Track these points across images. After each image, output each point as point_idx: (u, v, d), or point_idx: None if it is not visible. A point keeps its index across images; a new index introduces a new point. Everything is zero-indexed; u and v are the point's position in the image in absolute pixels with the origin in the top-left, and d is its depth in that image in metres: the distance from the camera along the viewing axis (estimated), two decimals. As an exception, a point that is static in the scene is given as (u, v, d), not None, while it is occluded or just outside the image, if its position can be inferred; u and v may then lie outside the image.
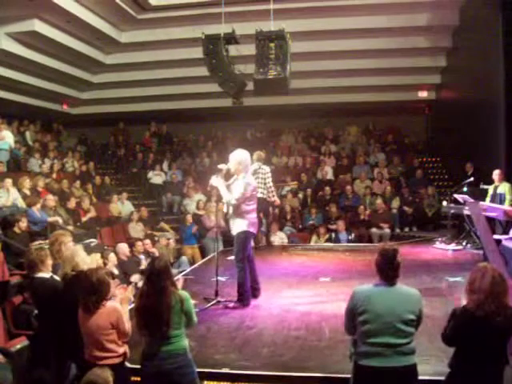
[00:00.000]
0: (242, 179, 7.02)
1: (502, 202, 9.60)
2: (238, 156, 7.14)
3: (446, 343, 3.93)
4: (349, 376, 4.09)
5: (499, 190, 9.90)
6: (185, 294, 4.40)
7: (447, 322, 3.92)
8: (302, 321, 6.26)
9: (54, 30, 12.36)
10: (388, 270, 3.96)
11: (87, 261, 5.15)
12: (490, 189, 10.10)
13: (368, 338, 3.87)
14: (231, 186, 7.09)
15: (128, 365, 4.66)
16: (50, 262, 5.18)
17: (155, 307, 4.21)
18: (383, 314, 3.84)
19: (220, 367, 4.92)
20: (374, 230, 13.00)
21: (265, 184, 10.44)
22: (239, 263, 6.98)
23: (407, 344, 3.85)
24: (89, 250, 6.69)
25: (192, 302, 4.49)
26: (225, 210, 7.25)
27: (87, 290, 4.42)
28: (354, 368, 4.00)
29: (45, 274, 5.10)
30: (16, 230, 9.24)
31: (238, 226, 7.00)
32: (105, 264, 8.36)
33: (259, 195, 10.14)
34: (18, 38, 12.28)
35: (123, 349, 4.49)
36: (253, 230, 7.08)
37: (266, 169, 10.59)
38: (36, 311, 5.75)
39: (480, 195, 10.11)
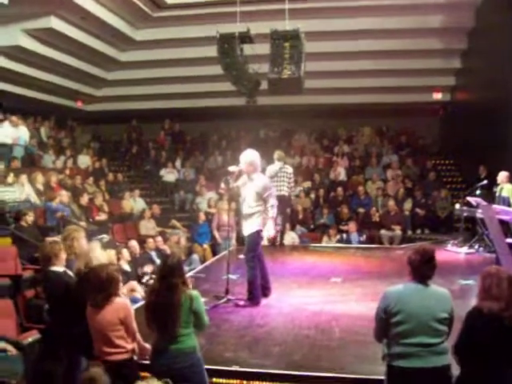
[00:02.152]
0: (257, 179, 7.03)
1: (505, 204, 9.54)
2: (249, 156, 7.15)
3: (460, 352, 3.82)
4: (359, 377, 4.07)
5: (503, 193, 9.86)
6: (195, 293, 4.40)
7: (461, 330, 3.86)
8: (313, 320, 6.26)
9: (69, 27, 12.43)
10: (425, 269, 3.92)
11: (102, 258, 5.16)
12: (497, 191, 10.09)
13: (402, 338, 3.81)
14: (245, 186, 7.11)
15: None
16: (64, 255, 5.21)
17: (165, 304, 4.22)
18: (418, 314, 3.79)
19: (230, 365, 4.92)
20: (383, 231, 12.94)
21: (289, 183, 10.67)
22: (250, 262, 7.00)
23: (441, 343, 3.80)
24: (101, 246, 6.72)
25: (202, 300, 4.49)
26: (243, 209, 7.22)
27: (96, 285, 4.44)
28: (387, 370, 3.93)
29: (59, 267, 5.13)
30: (23, 223, 9.32)
31: (250, 226, 7.01)
32: (118, 259, 8.42)
33: (284, 193, 10.27)
34: (35, 35, 12.36)
35: (132, 345, 4.50)
36: (271, 231, 7.12)
37: (290, 169, 10.95)
38: (47, 305, 5.79)
39: (493, 198, 10.08)
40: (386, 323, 3.90)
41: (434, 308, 3.83)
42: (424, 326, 3.79)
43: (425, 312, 3.81)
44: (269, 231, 7.14)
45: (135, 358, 4.59)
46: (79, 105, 17.66)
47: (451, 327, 3.92)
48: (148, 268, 9.25)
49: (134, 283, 8.58)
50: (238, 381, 4.82)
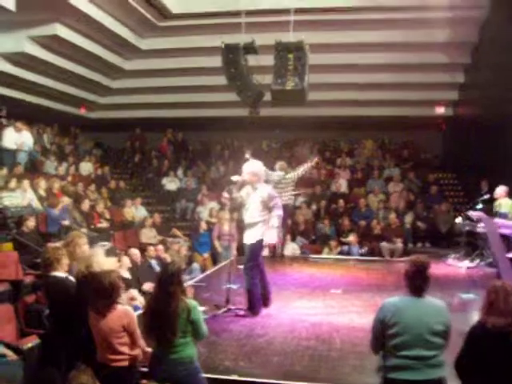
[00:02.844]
0: (261, 189, 7.05)
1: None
2: (253, 167, 7.18)
3: (461, 367, 3.80)
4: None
5: (502, 209, 9.87)
6: (193, 302, 4.40)
7: (464, 344, 3.84)
8: (313, 331, 6.26)
9: (75, 35, 12.47)
10: (418, 281, 3.91)
11: (105, 263, 5.16)
12: (495, 206, 10.12)
13: (398, 350, 3.80)
14: (248, 196, 7.12)
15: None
16: (66, 261, 5.21)
17: (162, 312, 4.22)
18: (414, 326, 3.78)
19: (229, 374, 4.92)
20: (384, 244, 12.92)
21: (291, 191, 10.84)
22: (249, 271, 7.00)
23: (437, 356, 3.79)
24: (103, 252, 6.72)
25: (201, 309, 4.49)
26: (244, 218, 7.23)
27: (99, 293, 4.44)
28: (382, 382, 3.92)
29: (60, 273, 5.13)
30: (25, 229, 9.33)
31: (252, 235, 7.02)
32: (119, 267, 8.41)
33: (286, 202, 10.31)
34: (40, 42, 12.41)
35: (135, 352, 4.49)
36: (272, 240, 7.13)
37: (292, 177, 10.83)
38: (47, 311, 5.79)
39: (494, 213, 10.08)
40: (383, 335, 3.90)
41: (429, 321, 3.82)
42: (420, 338, 3.78)
43: (420, 325, 3.80)
44: (271, 239, 7.13)
45: (138, 364, 4.58)
46: (82, 112, 17.70)
47: (448, 339, 3.92)
48: (147, 286, 9.14)
49: (133, 291, 8.57)
50: (237, 390, 4.82)
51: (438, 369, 3.80)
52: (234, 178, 7.33)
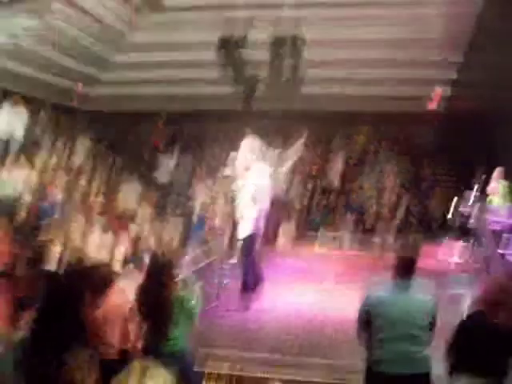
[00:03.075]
0: (253, 181, 7.05)
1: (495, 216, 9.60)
2: (252, 143, 7.16)
3: (453, 357, 3.83)
4: (351, 377, 4.08)
5: (494, 204, 9.91)
6: (186, 293, 4.40)
7: (453, 335, 3.84)
8: (305, 320, 6.29)
9: (67, 26, 12.36)
10: (405, 272, 3.91)
11: (98, 246, 5.15)
12: (487, 201, 10.16)
13: (383, 344, 3.82)
14: (240, 189, 7.12)
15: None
16: (54, 254, 5.20)
17: (154, 304, 4.20)
18: (399, 321, 3.79)
19: (220, 366, 4.92)
20: (377, 237, 12.95)
21: (283, 184, 10.78)
22: (244, 263, 7.01)
23: (422, 350, 3.81)
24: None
25: (193, 302, 4.49)
26: (239, 211, 7.23)
27: (92, 286, 4.43)
28: (365, 373, 3.95)
29: (50, 266, 5.12)
30: (15, 221, 9.26)
31: (246, 228, 7.02)
32: (110, 259, 8.39)
33: (278, 195, 10.29)
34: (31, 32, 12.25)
35: (127, 344, 4.49)
36: (260, 231, 7.13)
37: (284, 169, 10.81)
38: (37, 303, 5.76)
39: (486, 208, 10.12)
40: (367, 325, 3.91)
41: (415, 315, 3.83)
42: (405, 333, 3.79)
43: (406, 319, 3.81)
44: (258, 229, 7.15)
45: (130, 357, 4.58)
46: (75, 104, 17.56)
47: (434, 329, 3.92)
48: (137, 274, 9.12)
49: (124, 283, 8.55)
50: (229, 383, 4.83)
51: (423, 363, 3.82)
52: (226, 172, 7.33)
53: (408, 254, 3.93)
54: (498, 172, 10.13)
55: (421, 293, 3.97)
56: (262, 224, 7.23)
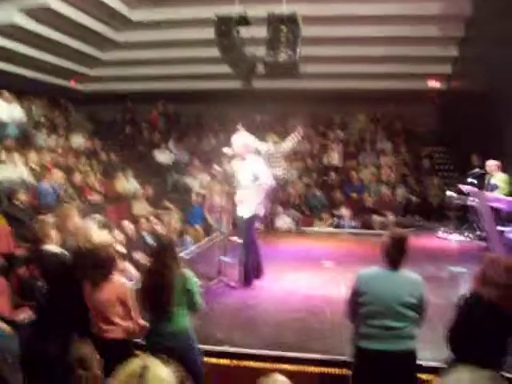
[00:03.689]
0: (252, 160, 7.07)
1: (493, 192, 9.60)
2: (243, 138, 7.21)
3: (453, 338, 3.75)
4: (350, 359, 4.13)
5: (492, 181, 9.90)
6: (188, 272, 4.43)
7: (456, 316, 3.83)
8: (304, 303, 6.33)
9: (65, 6, 12.28)
10: (394, 253, 3.96)
11: (100, 236, 5.18)
12: (485, 179, 10.16)
13: (367, 319, 3.89)
14: (239, 169, 7.14)
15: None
16: (54, 234, 5.21)
17: (157, 284, 4.25)
18: (383, 296, 3.85)
19: (221, 345, 4.98)
20: (375, 217, 13.00)
21: (280, 164, 10.77)
22: (244, 244, 7.04)
23: (406, 328, 3.84)
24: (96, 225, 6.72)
25: (196, 281, 4.52)
26: (237, 191, 7.26)
27: (95, 264, 4.47)
28: (353, 350, 4.03)
29: (51, 246, 5.14)
30: (16, 202, 9.29)
31: (245, 208, 7.05)
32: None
33: (278, 174, 10.30)
34: (30, 13, 12.20)
35: (129, 323, 4.54)
36: (260, 212, 7.16)
37: (282, 150, 10.82)
38: (40, 283, 5.79)
39: (484, 187, 10.14)
40: (355, 304, 3.96)
41: (400, 292, 3.87)
42: (389, 309, 3.83)
43: (391, 295, 3.85)
44: (258, 210, 7.20)
45: (133, 336, 4.63)
46: (72, 84, 17.51)
47: (422, 314, 3.95)
48: (139, 256, 9.19)
49: (125, 263, 8.60)
50: (229, 361, 4.88)
51: (407, 340, 3.86)
52: (225, 149, 7.34)
53: (398, 241, 3.97)
54: (492, 164, 10.07)
55: (409, 273, 4.01)
56: (262, 203, 7.26)
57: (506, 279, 3.64)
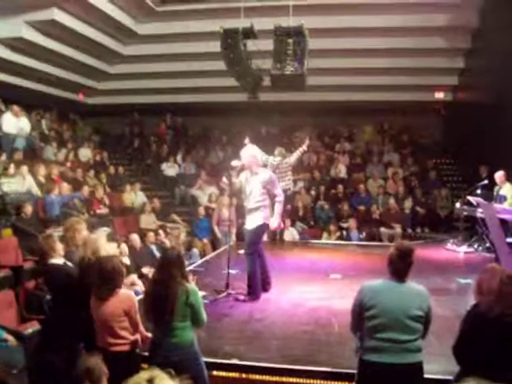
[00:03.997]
0: (261, 173, 7.09)
1: (502, 203, 9.59)
2: (251, 151, 7.23)
3: (459, 352, 3.76)
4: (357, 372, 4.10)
5: (501, 192, 9.88)
6: (193, 287, 4.42)
7: (462, 330, 3.82)
8: (312, 316, 6.29)
9: (72, 20, 12.38)
10: (400, 266, 3.95)
11: (108, 248, 5.20)
12: (494, 191, 10.14)
13: (375, 333, 3.86)
14: (248, 181, 7.14)
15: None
16: (60, 248, 5.22)
17: (161, 296, 4.24)
18: (391, 310, 3.83)
19: (229, 358, 4.95)
20: (383, 229, 12.96)
21: (287, 177, 10.77)
22: (250, 256, 7.03)
23: (414, 341, 3.82)
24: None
25: (201, 294, 4.50)
26: (245, 203, 7.27)
27: (101, 277, 4.46)
28: (359, 363, 4.00)
29: (57, 260, 5.15)
30: (23, 215, 9.33)
31: (253, 220, 7.04)
32: (119, 252, 8.44)
33: (286, 187, 10.34)
34: (37, 27, 12.32)
35: (135, 336, 4.53)
36: (267, 223, 7.16)
37: (289, 162, 10.90)
38: (48, 296, 5.81)
39: (493, 198, 10.10)
40: (360, 317, 3.94)
41: (407, 305, 3.85)
42: (396, 321, 3.81)
43: (398, 308, 3.83)
44: (274, 224, 7.21)
45: (138, 349, 4.62)
46: (81, 98, 17.63)
47: (427, 326, 3.94)
48: (146, 270, 9.20)
49: (133, 277, 8.61)
50: (237, 374, 4.85)
51: (414, 353, 3.84)
52: (234, 162, 7.36)
53: (404, 254, 3.96)
54: (500, 175, 10.05)
55: (415, 285, 4.00)
56: (276, 216, 7.26)
57: (499, 289, 3.64)
